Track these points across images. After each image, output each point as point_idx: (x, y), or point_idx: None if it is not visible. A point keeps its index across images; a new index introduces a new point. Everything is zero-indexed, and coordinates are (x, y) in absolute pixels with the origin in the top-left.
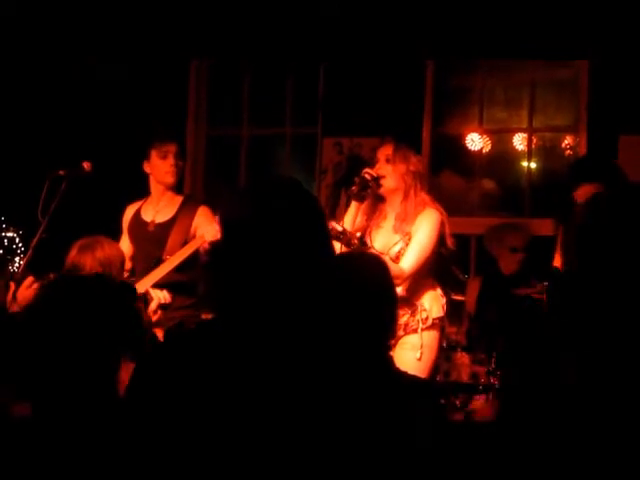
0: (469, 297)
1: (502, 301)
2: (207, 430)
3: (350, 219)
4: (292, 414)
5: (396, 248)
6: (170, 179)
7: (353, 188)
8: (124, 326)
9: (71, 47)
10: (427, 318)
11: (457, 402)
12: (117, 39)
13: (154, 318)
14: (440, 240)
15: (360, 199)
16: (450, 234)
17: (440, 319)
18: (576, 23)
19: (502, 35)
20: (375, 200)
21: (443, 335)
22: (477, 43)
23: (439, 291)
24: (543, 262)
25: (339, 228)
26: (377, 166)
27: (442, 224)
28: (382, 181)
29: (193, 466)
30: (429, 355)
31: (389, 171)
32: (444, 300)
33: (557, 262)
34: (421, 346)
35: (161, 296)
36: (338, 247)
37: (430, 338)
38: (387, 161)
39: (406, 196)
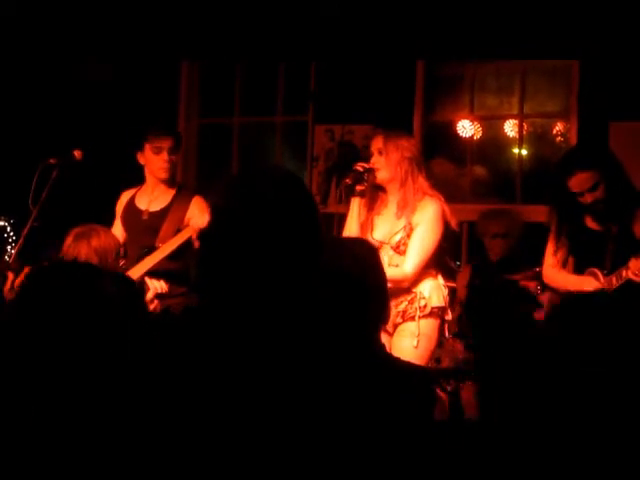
0: (459, 283)
1: (489, 287)
2: (194, 419)
3: (354, 216)
4: (281, 402)
5: (397, 237)
6: (163, 175)
7: (347, 180)
8: (106, 316)
9: (66, 44)
10: (425, 306)
11: (448, 388)
12: (111, 35)
13: (150, 307)
14: (445, 229)
15: (360, 194)
16: (452, 217)
17: (440, 309)
18: (567, 18)
19: (493, 35)
20: (374, 190)
21: (444, 325)
22: (468, 43)
23: (441, 281)
24: (534, 248)
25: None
26: (372, 160)
27: (443, 213)
28: (377, 173)
29: (184, 453)
30: (427, 344)
31: (383, 163)
32: (446, 291)
33: (550, 248)
34: (418, 334)
35: (157, 286)
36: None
37: (428, 327)
38: (380, 153)
39: (403, 183)
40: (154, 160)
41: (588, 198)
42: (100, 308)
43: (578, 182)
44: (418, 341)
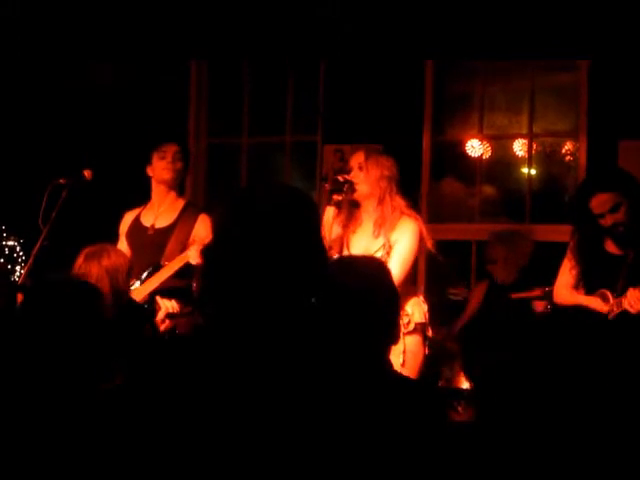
0: (473, 302)
1: (498, 306)
2: (200, 436)
3: (327, 222)
4: (288, 420)
5: (377, 255)
6: (167, 175)
7: (326, 186)
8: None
9: (71, 52)
10: (409, 322)
11: (459, 408)
12: (117, 46)
13: (162, 327)
14: (420, 246)
15: (336, 204)
16: (429, 237)
17: (421, 325)
18: (576, 25)
19: (502, 37)
20: (350, 207)
21: (427, 342)
22: (476, 43)
23: (421, 298)
24: (544, 267)
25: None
26: (352, 174)
27: (420, 232)
28: (356, 186)
29: (187, 471)
30: (414, 360)
31: (362, 178)
32: (426, 307)
33: (564, 267)
34: (404, 351)
35: (169, 305)
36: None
37: (413, 343)
38: (360, 169)
39: (381, 201)
40: (159, 165)
41: (609, 220)
42: (93, 325)
43: (598, 203)
44: (404, 359)
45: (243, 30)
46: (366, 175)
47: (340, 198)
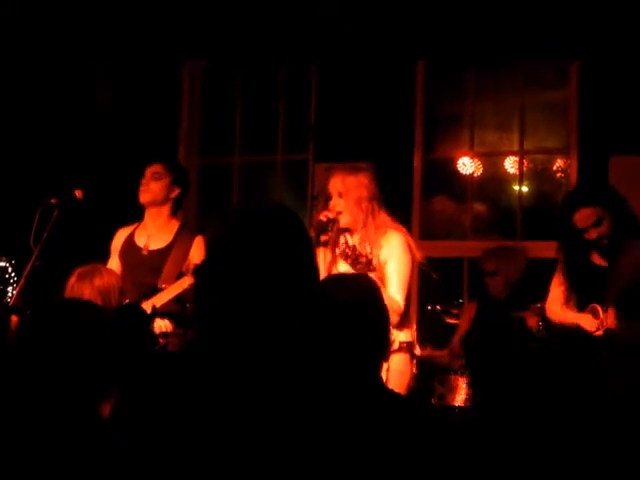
0: (463, 320)
1: (492, 324)
2: (193, 453)
3: (320, 265)
4: (278, 436)
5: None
6: (141, 197)
7: (311, 230)
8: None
9: (70, 75)
10: (394, 341)
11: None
12: (112, 47)
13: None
14: (412, 259)
15: (324, 244)
16: (417, 250)
17: (408, 343)
18: (568, 31)
19: (500, 39)
20: (339, 234)
21: (414, 360)
22: (472, 44)
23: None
24: (536, 283)
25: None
26: (331, 202)
27: (408, 244)
28: (339, 217)
29: None
30: (400, 379)
31: (343, 205)
32: (414, 326)
33: (555, 283)
34: (387, 369)
35: (162, 325)
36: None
37: (399, 362)
38: (339, 196)
39: (365, 223)
40: (140, 187)
41: (593, 234)
42: (101, 345)
43: (582, 218)
44: (387, 377)
45: (239, 31)
46: (346, 202)
47: (327, 238)
